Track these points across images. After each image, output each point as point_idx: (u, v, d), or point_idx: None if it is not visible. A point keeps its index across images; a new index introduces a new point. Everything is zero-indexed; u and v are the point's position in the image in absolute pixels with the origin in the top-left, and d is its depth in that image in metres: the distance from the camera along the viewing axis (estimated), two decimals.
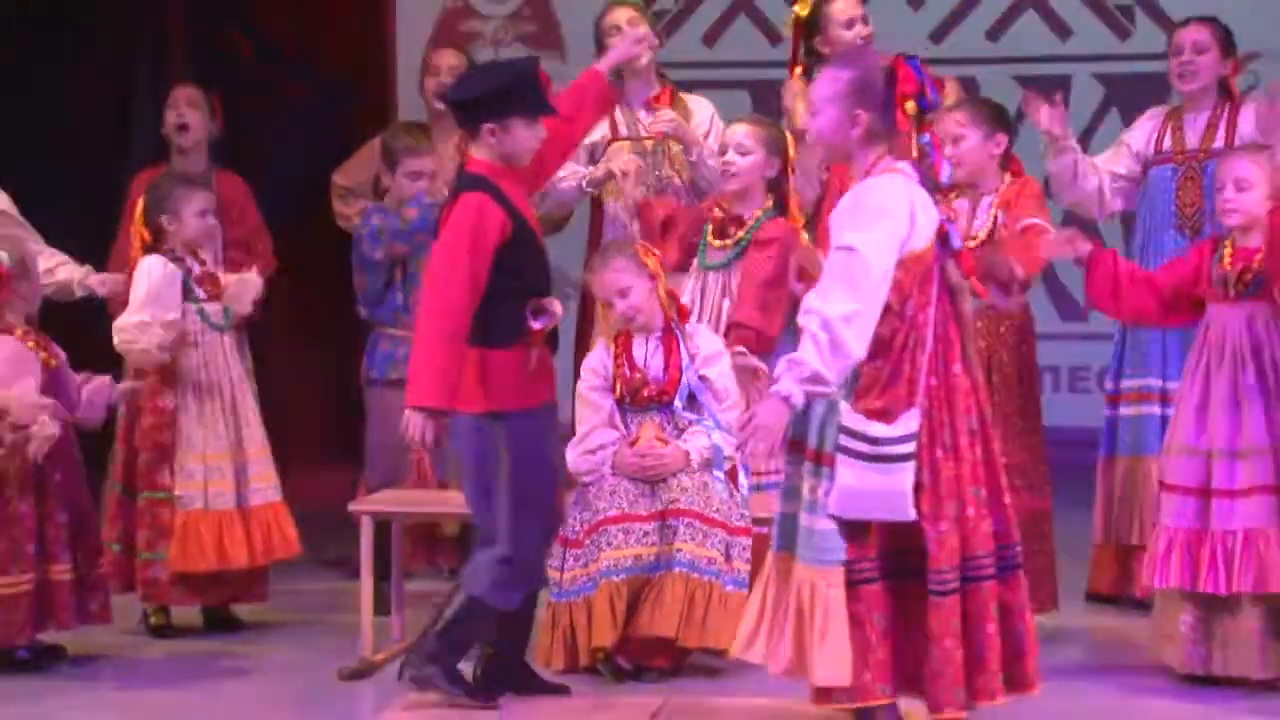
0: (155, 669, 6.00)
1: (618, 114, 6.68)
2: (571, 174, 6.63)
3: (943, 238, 4.67)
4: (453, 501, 6.26)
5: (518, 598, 5.31)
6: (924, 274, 4.61)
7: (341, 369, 7.08)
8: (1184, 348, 6.26)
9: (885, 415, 4.55)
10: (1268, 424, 5.47)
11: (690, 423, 5.81)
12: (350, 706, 5.51)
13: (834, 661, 4.57)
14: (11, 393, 5.66)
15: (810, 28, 6.71)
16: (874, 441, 4.54)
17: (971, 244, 5.92)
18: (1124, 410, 6.61)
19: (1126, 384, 6.64)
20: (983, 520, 4.61)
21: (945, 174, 4.74)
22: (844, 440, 4.56)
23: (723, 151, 6.17)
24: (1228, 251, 5.56)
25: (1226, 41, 6.60)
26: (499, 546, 5.25)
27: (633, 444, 5.78)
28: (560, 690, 5.46)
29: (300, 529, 6.53)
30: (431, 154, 6.68)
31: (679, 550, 5.59)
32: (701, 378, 5.81)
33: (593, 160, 6.73)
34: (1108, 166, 6.63)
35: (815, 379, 4.46)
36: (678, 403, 5.80)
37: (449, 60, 7.24)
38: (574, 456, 5.83)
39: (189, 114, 7.13)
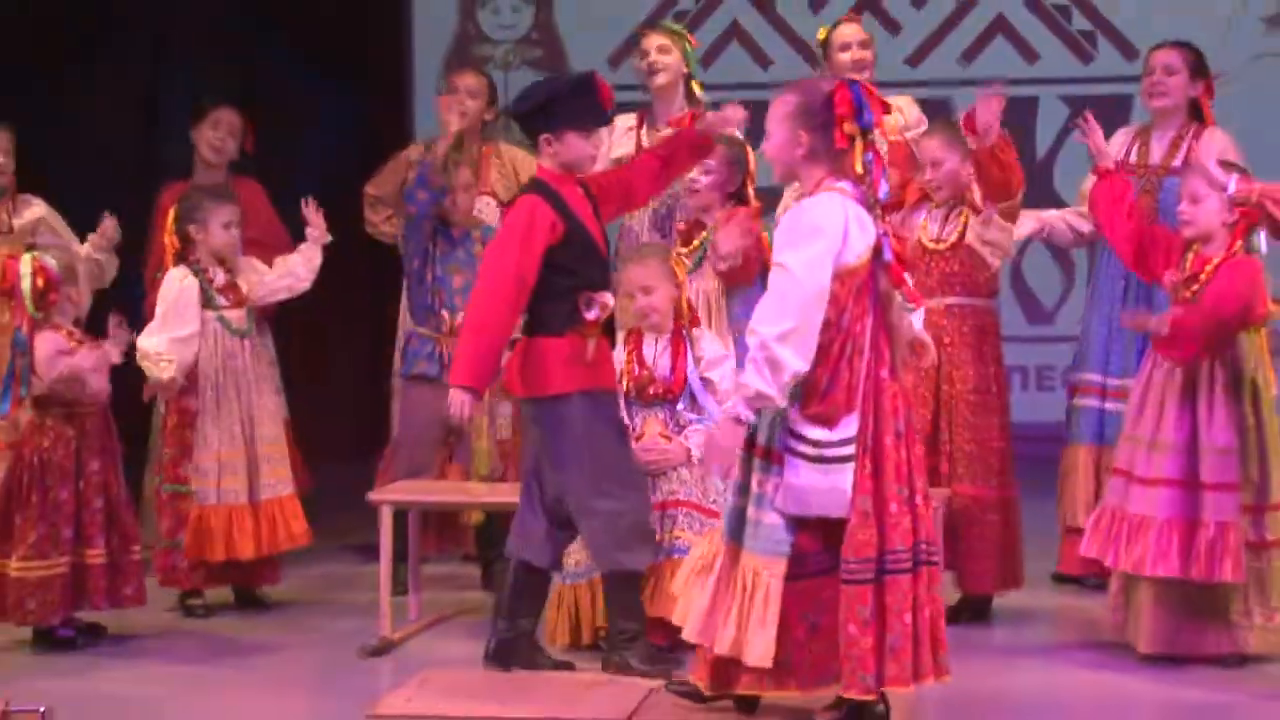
0: (189, 646, 6.00)
1: (643, 132, 6.70)
2: None
3: (877, 251, 4.72)
4: (468, 491, 6.35)
5: (647, 554, 5.35)
6: (859, 287, 4.67)
7: (360, 367, 7.06)
8: (1124, 348, 6.45)
9: (827, 421, 4.63)
10: (1186, 424, 5.49)
11: (691, 421, 5.80)
12: (370, 682, 5.47)
13: (768, 645, 4.66)
14: (75, 360, 5.72)
15: (824, 53, 6.78)
16: (816, 444, 4.64)
17: (941, 247, 6.11)
18: (1075, 401, 6.67)
19: (1076, 377, 6.70)
20: (903, 517, 4.66)
21: (883, 191, 4.78)
22: (790, 442, 4.66)
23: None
24: (1190, 256, 5.59)
25: (1197, 65, 6.58)
26: (592, 519, 5.29)
27: (638, 438, 5.75)
28: (565, 666, 5.50)
29: (325, 516, 6.57)
30: (468, 165, 6.69)
31: (677, 538, 5.59)
32: (704, 380, 5.82)
33: None
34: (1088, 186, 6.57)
35: (760, 397, 4.57)
36: (681, 404, 5.80)
37: (468, 81, 7.22)
38: None
39: (228, 136, 7.15)
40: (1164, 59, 6.57)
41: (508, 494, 6.26)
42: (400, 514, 6.04)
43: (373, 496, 6.08)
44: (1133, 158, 6.62)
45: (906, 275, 4.80)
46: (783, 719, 4.88)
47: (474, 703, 5.15)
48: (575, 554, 5.65)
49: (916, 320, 4.90)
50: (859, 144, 4.71)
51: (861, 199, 4.71)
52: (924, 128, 6.56)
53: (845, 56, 6.67)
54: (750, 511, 4.73)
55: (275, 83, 9.08)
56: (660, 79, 6.66)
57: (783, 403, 4.61)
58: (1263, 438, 5.53)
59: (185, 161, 7.30)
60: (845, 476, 4.64)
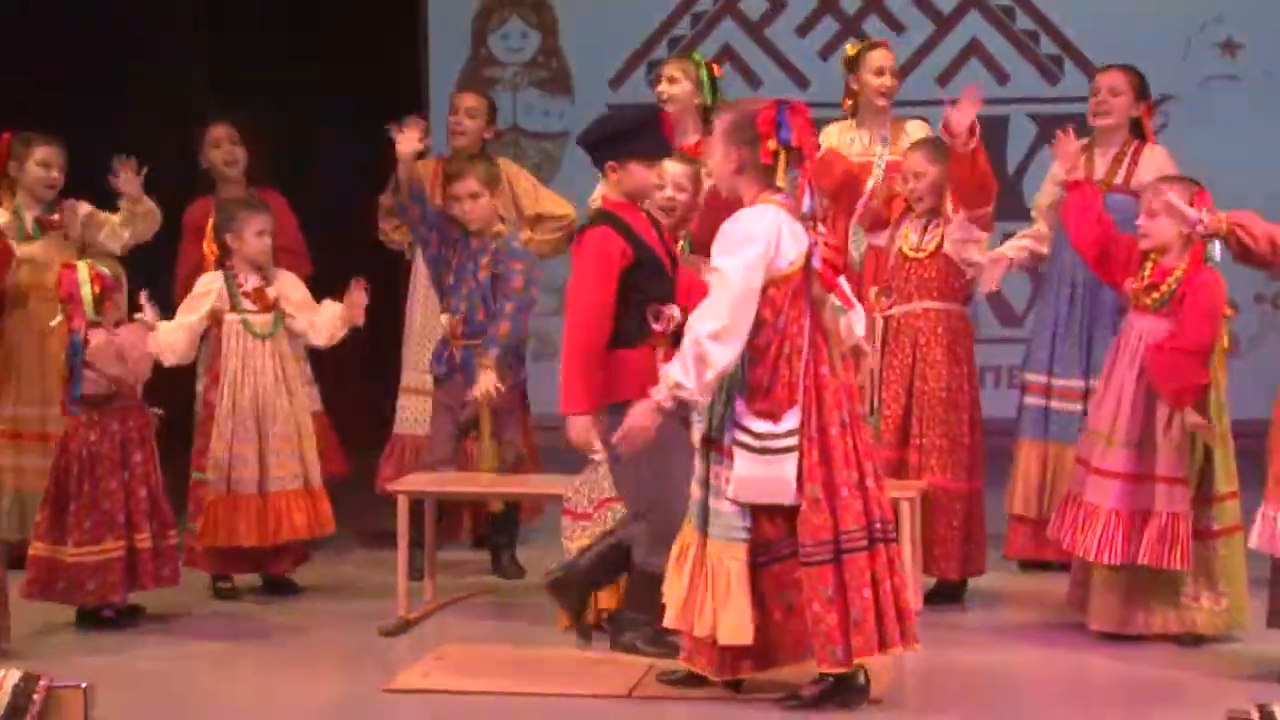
0: (220, 626, 6.00)
1: None
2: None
3: (809, 259, 4.80)
4: (477, 482, 6.35)
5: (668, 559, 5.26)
6: (794, 292, 4.76)
7: (374, 370, 7.06)
8: (1070, 349, 6.46)
9: (770, 415, 4.72)
10: (1142, 419, 5.49)
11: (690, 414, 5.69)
12: (388, 659, 5.47)
13: (736, 625, 4.73)
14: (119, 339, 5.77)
15: (850, 67, 6.73)
16: (760, 437, 4.73)
17: (920, 255, 6.12)
18: (1024, 399, 6.66)
19: (1024, 377, 6.70)
20: (854, 500, 4.73)
21: (806, 206, 4.84)
22: (737, 435, 4.75)
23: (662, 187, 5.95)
24: (1149, 266, 5.58)
25: (1140, 86, 6.56)
26: (640, 521, 5.27)
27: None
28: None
29: (346, 505, 6.57)
30: (474, 178, 6.55)
31: None
32: None
33: None
34: (1047, 201, 6.64)
35: (679, 388, 4.67)
36: None
37: (468, 101, 7.22)
38: None
39: (235, 150, 7.11)
40: (1109, 81, 6.56)
41: (516, 485, 6.35)
42: (416, 503, 6.04)
43: (391, 487, 6.12)
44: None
45: (841, 280, 4.87)
46: (772, 693, 4.92)
47: (485, 679, 5.16)
48: (579, 540, 5.64)
49: (858, 324, 4.95)
50: (781, 159, 4.79)
51: (795, 211, 4.80)
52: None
53: (878, 80, 6.62)
54: (710, 501, 4.82)
55: (302, 103, 9.09)
56: (668, 109, 6.52)
57: (701, 397, 4.72)
58: (1211, 432, 5.53)
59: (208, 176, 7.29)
60: (789, 466, 4.72)
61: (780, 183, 4.82)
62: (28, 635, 5.64)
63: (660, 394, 4.72)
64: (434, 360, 6.56)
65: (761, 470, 4.73)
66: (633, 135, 5.34)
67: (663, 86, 6.67)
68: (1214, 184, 5.64)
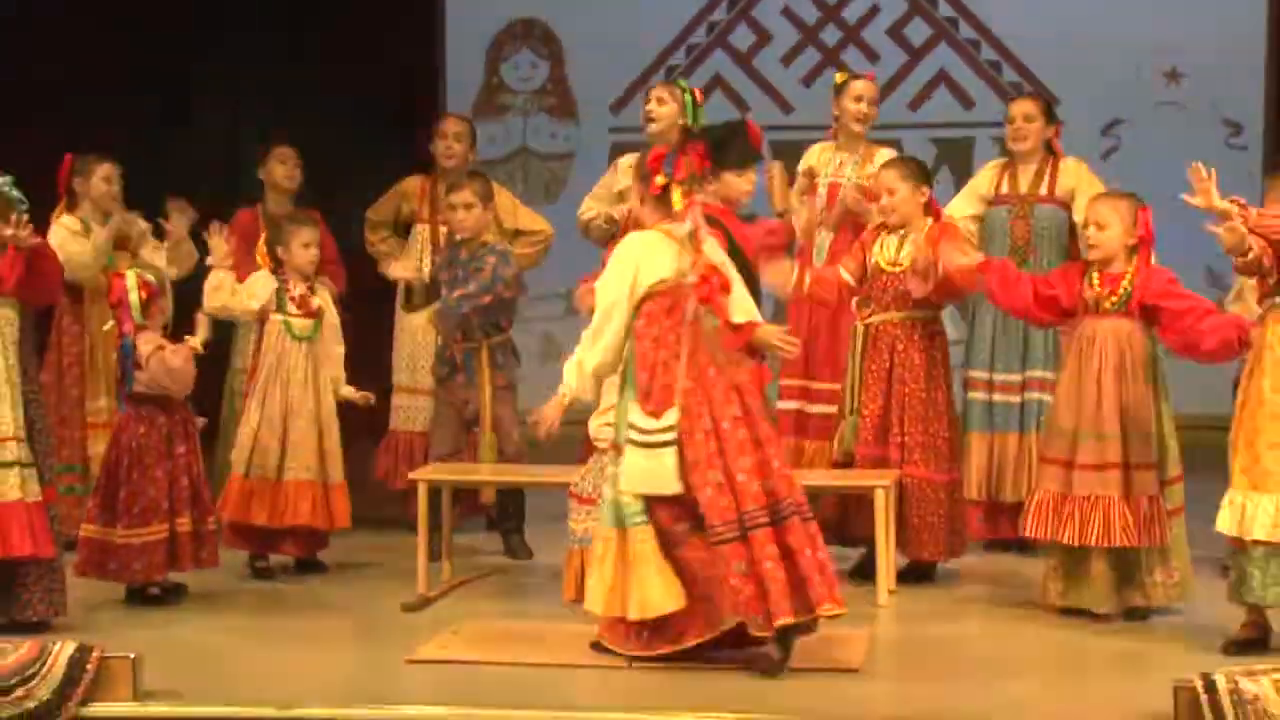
0: (255, 602, 6.02)
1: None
2: (599, 214, 6.78)
3: (684, 275, 4.94)
4: (483, 472, 6.40)
5: None
6: (670, 305, 4.93)
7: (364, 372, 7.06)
8: (1009, 346, 6.53)
9: (654, 413, 4.87)
10: (1120, 414, 5.49)
11: None
12: (409, 633, 5.48)
13: (659, 598, 4.85)
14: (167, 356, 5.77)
15: (836, 93, 6.82)
16: (643, 431, 4.88)
17: (895, 269, 6.12)
18: (968, 395, 6.69)
19: (966, 374, 6.72)
20: (752, 482, 4.82)
21: (684, 229, 4.95)
22: (628, 432, 4.91)
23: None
24: (1095, 277, 5.58)
25: (1049, 112, 6.72)
26: None
27: None
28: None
29: (366, 495, 6.63)
30: (470, 190, 6.60)
31: None
32: None
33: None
34: (964, 211, 6.70)
35: (565, 383, 5.01)
36: None
37: (455, 127, 7.22)
38: (594, 426, 5.77)
39: (296, 170, 7.22)
40: (1023, 109, 6.71)
41: (519, 475, 6.36)
42: (433, 490, 6.05)
43: (413, 475, 6.13)
44: (1004, 189, 6.71)
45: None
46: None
47: (497, 650, 5.18)
48: (584, 522, 5.60)
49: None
50: (671, 191, 4.97)
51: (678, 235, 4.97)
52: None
53: (855, 106, 6.71)
54: (611, 495, 4.97)
55: (335, 129, 9.10)
56: (654, 126, 6.67)
57: (583, 395, 5.06)
58: (1161, 420, 5.58)
59: (256, 192, 7.33)
60: (669, 459, 4.85)
61: (677, 206, 4.97)
62: (81, 610, 5.65)
63: (559, 387, 5.04)
64: (436, 362, 6.63)
65: (643, 462, 4.88)
66: (725, 146, 5.37)
67: (651, 106, 6.72)
68: (1160, 200, 5.64)
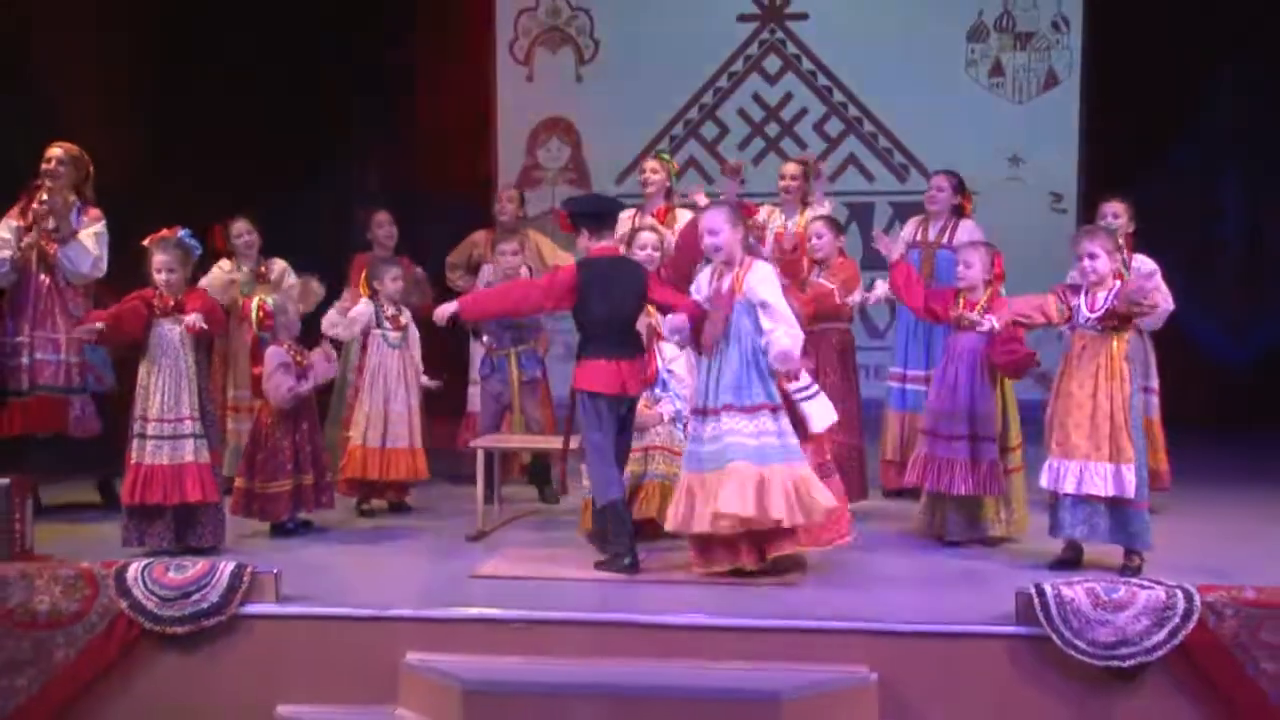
0: (361, 534, 5.99)
1: (636, 219, 6.57)
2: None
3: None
4: (523, 440, 6.39)
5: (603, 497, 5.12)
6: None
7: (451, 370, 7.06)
8: (917, 349, 6.52)
9: (795, 377, 5.04)
10: (969, 401, 5.50)
11: (661, 397, 5.76)
12: (472, 555, 5.48)
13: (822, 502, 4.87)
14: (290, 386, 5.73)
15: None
16: (800, 389, 5.09)
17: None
18: (888, 384, 6.70)
19: (891, 369, 6.74)
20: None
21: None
22: (793, 394, 5.03)
23: (643, 246, 5.76)
24: (961, 302, 5.62)
25: (958, 184, 6.74)
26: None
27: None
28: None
29: (441, 458, 6.60)
30: (516, 242, 6.71)
31: (655, 469, 5.58)
32: (669, 371, 5.79)
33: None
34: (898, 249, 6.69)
35: (787, 351, 4.93)
36: (656, 388, 5.74)
37: (509, 193, 7.26)
38: None
39: (393, 229, 7.14)
40: (937, 181, 6.77)
41: (550, 443, 6.29)
42: (488, 454, 6.05)
43: (474, 443, 6.11)
44: (918, 237, 6.73)
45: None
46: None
47: (534, 568, 5.18)
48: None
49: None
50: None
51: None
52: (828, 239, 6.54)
53: (782, 182, 6.69)
54: (756, 443, 4.82)
55: (418, 196, 9.05)
56: (650, 188, 6.69)
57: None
58: (1005, 403, 5.60)
59: (365, 241, 7.30)
60: (824, 398, 5.18)
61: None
62: (237, 539, 5.66)
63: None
64: (481, 365, 6.66)
65: (818, 406, 5.10)
66: (589, 213, 5.31)
67: (647, 175, 6.72)
68: (1010, 253, 5.74)
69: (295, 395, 5.72)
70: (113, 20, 8.32)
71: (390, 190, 9.08)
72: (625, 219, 6.60)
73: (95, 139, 6.59)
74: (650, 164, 6.77)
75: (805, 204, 6.69)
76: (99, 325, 5.37)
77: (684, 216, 6.48)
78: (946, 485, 5.50)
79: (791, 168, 6.77)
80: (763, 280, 4.88)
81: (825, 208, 6.62)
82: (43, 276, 6.18)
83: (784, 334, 4.80)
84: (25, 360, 6.11)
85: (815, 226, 6.21)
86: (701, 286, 5.00)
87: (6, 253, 6.12)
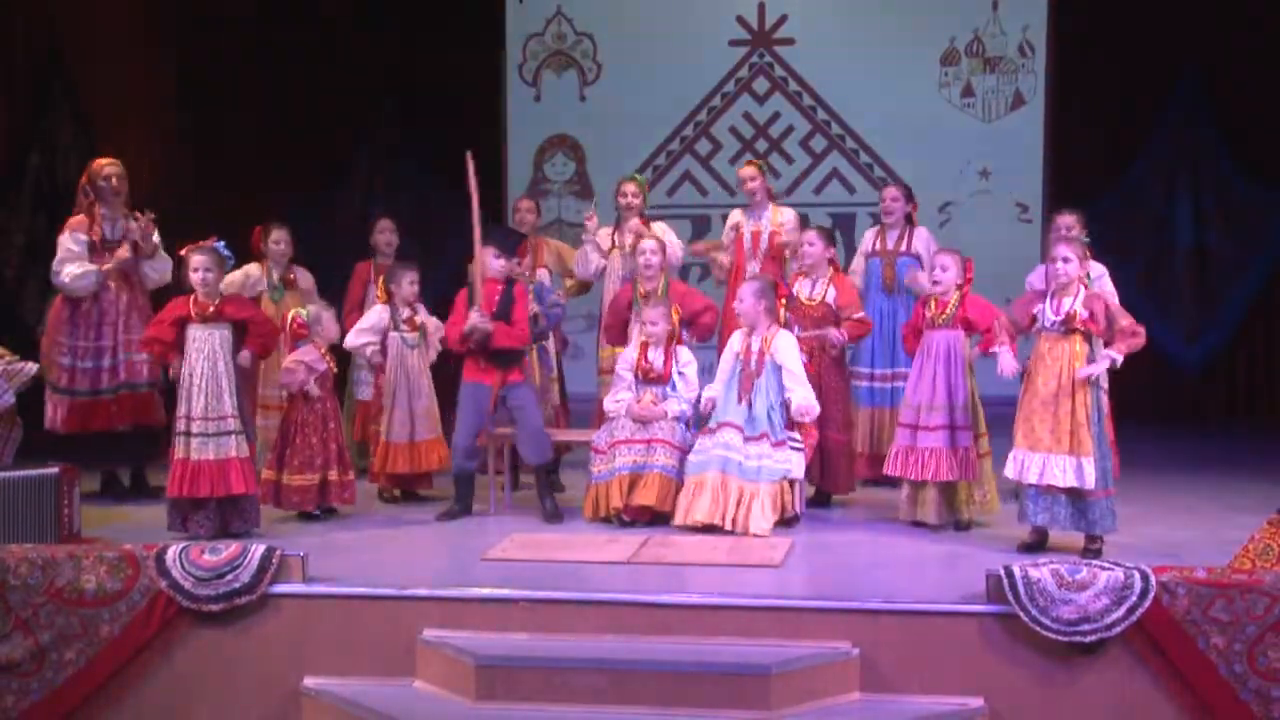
0: (381, 519, 5.97)
1: (615, 234, 6.63)
2: (591, 261, 6.69)
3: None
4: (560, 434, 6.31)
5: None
6: None
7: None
8: (883, 350, 6.46)
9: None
10: (946, 394, 5.50)
11: (669, 396, 5.79)
12: (483, 538, 5.46)
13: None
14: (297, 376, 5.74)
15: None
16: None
17: (811, 303, 6.04)
18: (856, 384, 6.64)
19: (854, 369, 6.65)
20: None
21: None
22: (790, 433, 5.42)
23: (642, 253, 6.05)
24: (933, 303, 5.63)
25: (909, 194, 6.70)
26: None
27: (638, 402, 5.78)
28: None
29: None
30: (530, 252, 6.67)
31: (656, 460, 5.60)
32: (680, 373, 5.83)
33: (603, 257, 6.71)
34: (858, 263, 6.72)
35: (808, 402, 5.66)
36: (668, 386, 5.78)
37: (525, 204, 7.16)
38: (608, 403, 5.81)
39: (393, 236, 7.04)
40: (891, 193, 6.70)
41: (556, 434, 6.27)
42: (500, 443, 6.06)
43: (483, 440, 6.05)
44: (877, 246, 6.69)
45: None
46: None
47: (540, 552, 5.17)
48: (599, 467, 5.60)
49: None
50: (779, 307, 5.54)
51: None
52: (793, 227, 6.60)
53: (745, 187, 6.69)
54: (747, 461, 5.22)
55: (433, 210, 9.02)
56: (630, 210, 6.69)
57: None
58: (974, 397, 5.59)
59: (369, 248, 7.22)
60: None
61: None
62: (268, 523, 5.66)
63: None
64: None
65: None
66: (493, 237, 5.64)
67: (629, 199, 6.70)
68: (979, 260, 5.72)
69: (302, 391, 5.73)
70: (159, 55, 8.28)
71: (403, 201, 9.06)
72: (604, 234, 6.69)
73: (134, 154, 6.65)
74: (630, 187, 6.75)
75: (772, 198, 6.70)
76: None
77: (658, 229, 6.52)
78: (930, 474, 5.48)
79: (748, 170, 6.72)
80: (786, 349, 5.62)
81: (787, 213, 6.66)
82: (121, 286, 6.28)
83: (803, 395, 5.59)
84: (108, 362, 6.21)
85: (807, 235, 6.17)
86: (734, 344, 5.70)
87: (93, 266, 6.20)
